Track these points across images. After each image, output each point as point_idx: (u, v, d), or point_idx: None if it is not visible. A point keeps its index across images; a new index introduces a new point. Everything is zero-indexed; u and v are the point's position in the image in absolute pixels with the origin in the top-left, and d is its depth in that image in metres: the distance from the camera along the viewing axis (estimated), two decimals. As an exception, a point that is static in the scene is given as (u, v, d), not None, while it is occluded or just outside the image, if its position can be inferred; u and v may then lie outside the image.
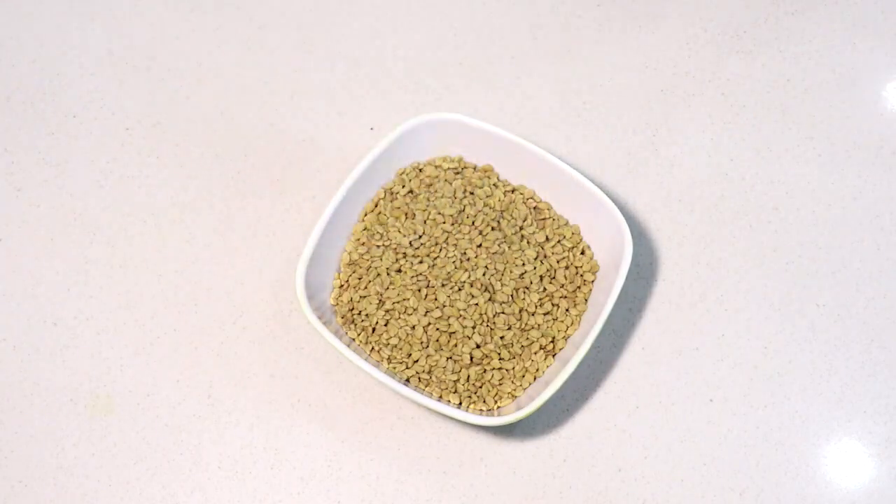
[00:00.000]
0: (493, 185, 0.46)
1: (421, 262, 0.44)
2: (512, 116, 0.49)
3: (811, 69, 0.51)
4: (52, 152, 0.49)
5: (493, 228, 0.44)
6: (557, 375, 0.41)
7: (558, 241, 0.45)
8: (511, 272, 0.44)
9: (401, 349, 0.43)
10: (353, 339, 0.44)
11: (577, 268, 0.45)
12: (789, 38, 0.52)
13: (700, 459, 0.45)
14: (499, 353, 0.43)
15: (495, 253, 0.44)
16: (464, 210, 0.45)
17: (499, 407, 0.43)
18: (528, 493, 0.45)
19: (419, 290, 0.43)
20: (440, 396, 0.43)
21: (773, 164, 0.49)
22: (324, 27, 0.50)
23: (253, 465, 0.45)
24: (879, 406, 0.46)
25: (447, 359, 0.43)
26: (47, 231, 0.48)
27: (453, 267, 0.44)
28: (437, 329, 0.43)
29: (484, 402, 0.43)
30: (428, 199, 0.45)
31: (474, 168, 0.46)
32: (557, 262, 0.44)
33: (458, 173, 0.46)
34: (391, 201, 0.45)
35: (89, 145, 0.49)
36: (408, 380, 0.43)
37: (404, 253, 0.44)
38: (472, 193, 0.45)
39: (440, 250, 0.44)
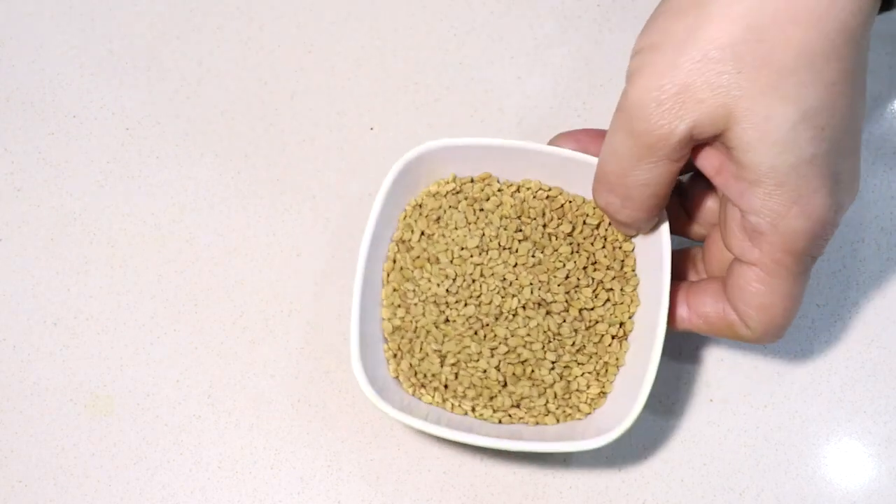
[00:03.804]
0: (498, 191, 0.43)
1: (465, 304, 0.41)
2: (512, 117, 0.49)
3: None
4: (52, 152, 0.49)
5: (520, 241, 0.42)
6: (650, 357, 0.39)
7: (584, 223, 0.43)
8: (555, 277, 0.42)
9: (481, 395, 0.41)
10: (430, 403, 0.42)
11: (612, 242, 0.43)
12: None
13: (700, 459, 0.45)
14: (577, 361, 0.41)
15: (533, 266, 0.42)
16: (484, 235, 0.42)
17: (595, 409, 0.42)
18: (528, 492, 0.45)
19: (476, 333, 0.41)
20: (536, 423, 0.41)
21: (773, 164, 0.49)
22: (324, 27, 0.50)
23: (253, 465, 0.45)
24: (879, 406, 0.46)
25: (529, 388, 0.41)
26: (47, 231, 0.48)
27: (500, 297, 0.41)
28: (510, 363, 0.41)
29: (579, 410, 0.41)
30: (444, 237, 0.42)
31: (471, 180, 0.44)
32: (592, 244, 0.42)
33: (457, 192, 0.43)
34: (407, 252, 0.43)
35: (89, 145, 0.49)
36: (500, 420, 0.41)
37: (446, 301, 0.41)
38: (481, 210, 0.43)
39: (480, 286, 0.42)
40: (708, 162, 0.35)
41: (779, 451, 0.45)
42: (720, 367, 0.46)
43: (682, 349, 0.46)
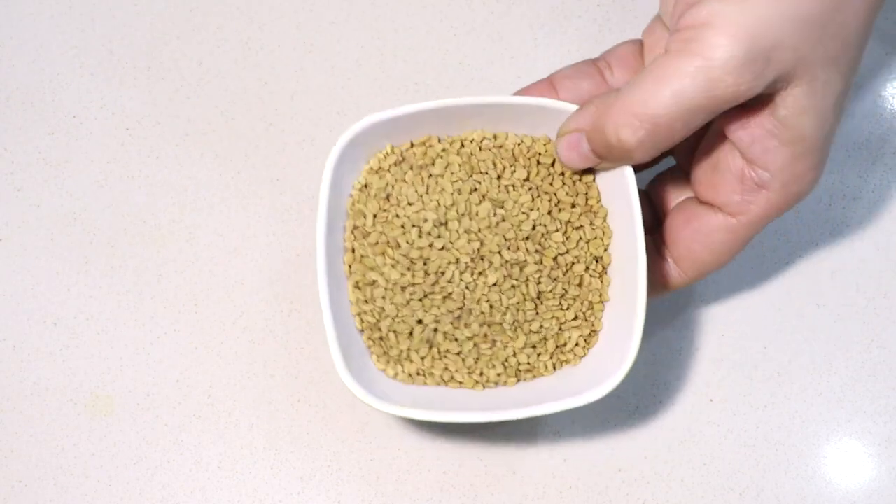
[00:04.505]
0: (442, 150, 0.40)
1: (437, 284, 0.39)
2: (512, 116, 0.49)
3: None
4: (52, 152, 0.49)
5: (477, 204, 0.39)
6: (637, 286, 0.38)
7: (538, 164, 0.40)
8: (521, 231, 0.39)
9: (474, 369, 0.40)
10: (428, 385, 0.40)
11: (570, 178, 0.40)
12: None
13: (700, 459, 0.45)
14: (562, 309, 0.40)
15: (497, 225, 0.39)
16: (439, 205, 0.39)
17: (589, 350, 0.40)
18: (528, 492, 0.45)
19: (451, 312, 0.39)
20: (534, 377, 0.40)
21: (773, 164, 0.49)
22: (324, 27, 0.50)
23: (253, 465, 0.45)
24: (879, 406, 0.46)
25: (521, 349, 0.40)
26: (47, 231, 0.48)
27: (470, 274, 0.39)
28: (497, 333, 0.40)
29: (574, 354, 0.40)
30: (398, 216, 0.40)
31: (411, 144, 0.41)
32: (551, 184, 0.40)
33: (400, 162, 0.40)
34: (364, 238, 0.40)
35: (89, 145, 0.49)
36: (496, 384, 0.40)
37: (416, 287, 0.39)
38: (430, 177, 0.40)
39: (448, 263, 0.39)
40: (737, 113, 0.35)
41: (779, 451, 0.45)
42: (720, 367, 0.46)
43: (682, 349, 0.46)
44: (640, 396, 0.46)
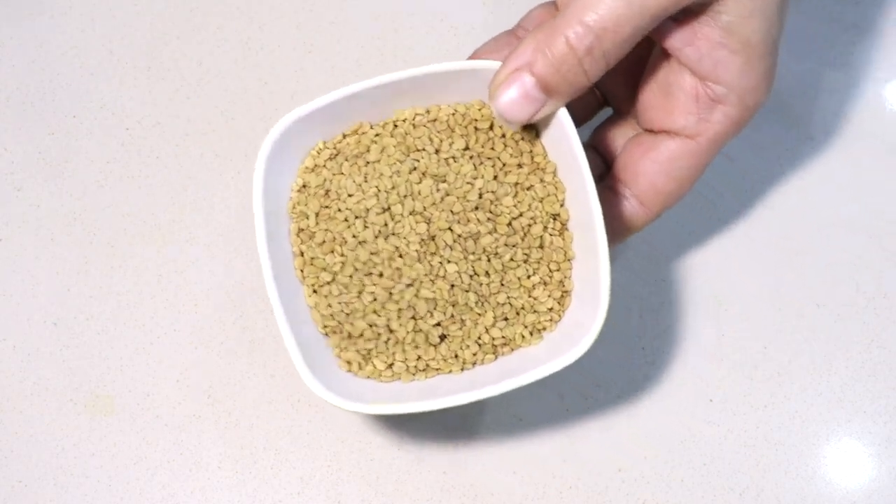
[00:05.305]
0: (376, 136, 0.39)
1: (391, 280, 0.38)
2: (512, 116, 0.49)
3: (811, 69, 0.51)
4: (52, 152, 0.49)
5: (418, 182, 0.38)
6: (597, 243, 0.36)
7: (475, 130, 0.39)
8: (468, 202, 0.38)
9: (453, 356, 0.39)
10: (403, 380, 0.39)
11: (512, 137, 0.39)
12: (789, 37, 0.52)
13: (700, 459, 0.45)
14: (527, 272, 0.38)
15: (442, 201, 0.38)
16: (378, 191, 0.38)
17: (564, 312, 0.39)
18: (528, 493, 0.45)
19: (412, 301, 0.38)
20: (511, 350, 0.39)
21: (773, 164, 0.49)
22: (323, 27, 0.50)
23: (253, 465, 0.45)
24: (879, 406, 0.46)
25: (494, 324, 0.38)
26: (47, 231, 0.48)
27: (422, 258, 0.37)
28: (464, 312, 0.38)
29: (550, 319, 0.39)
30: (340, 210, 0.38)
31: (343, 136, 0.39)
32: (493, 149, 0.39)
33: (335, 156, 0.39)
34: (311, 239, 0.38)
35: (89, 145, 0.49)
36: (474, 364, 0.39)
37: (369, 282, 0.38)
38: (367, 164, 0.38)
39: (398, 254, 0.38)
40: (681, 30, 0.35)
41: (779, 451, 0.45)
42: (720, 367, 0.46)
43: (682, 349, 0.46)
44: (641, 396, 0.46)
